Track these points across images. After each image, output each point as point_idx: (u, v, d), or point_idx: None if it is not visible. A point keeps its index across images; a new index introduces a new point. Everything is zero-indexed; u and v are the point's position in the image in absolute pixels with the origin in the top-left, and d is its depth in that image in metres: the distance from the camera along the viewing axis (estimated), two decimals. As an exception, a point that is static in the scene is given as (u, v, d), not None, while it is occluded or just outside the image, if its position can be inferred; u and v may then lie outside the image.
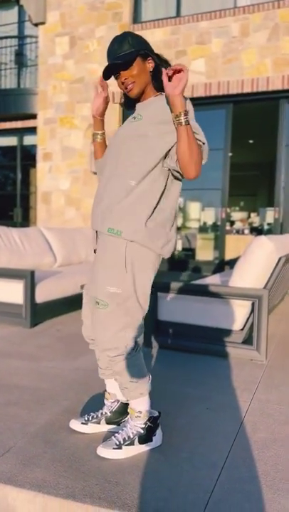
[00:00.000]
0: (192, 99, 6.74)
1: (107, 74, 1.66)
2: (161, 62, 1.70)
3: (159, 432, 1.80)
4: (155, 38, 6.82)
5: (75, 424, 1.89)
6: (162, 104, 1.62)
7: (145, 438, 1.74)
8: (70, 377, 2.58)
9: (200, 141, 1.58)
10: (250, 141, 10.92)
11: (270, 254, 2.97)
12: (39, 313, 3.85)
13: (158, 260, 1.71)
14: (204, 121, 6.85)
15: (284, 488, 1.55)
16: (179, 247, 7.46)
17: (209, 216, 7.20)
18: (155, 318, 3.24)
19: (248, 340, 3.03)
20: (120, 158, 1.66)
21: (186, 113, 1.49)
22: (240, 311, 3.01)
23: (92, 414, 1.93)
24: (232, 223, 12.20)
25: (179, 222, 7.38)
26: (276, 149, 6.87)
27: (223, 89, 6.43)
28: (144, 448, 1.75)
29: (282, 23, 6.11)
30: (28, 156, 9.30)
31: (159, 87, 1.72)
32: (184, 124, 1.49)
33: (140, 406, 1.74)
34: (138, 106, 1.73)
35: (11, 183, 9.73)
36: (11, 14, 9.33)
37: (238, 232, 9.77)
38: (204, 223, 7.27)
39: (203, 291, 3.03)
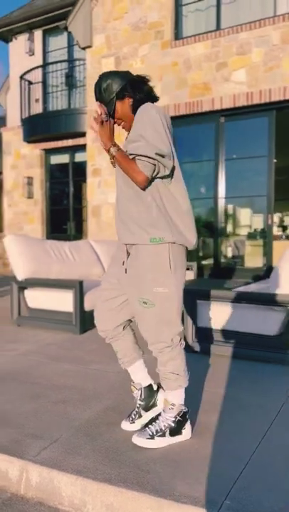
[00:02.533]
0: (234, 109, 6.85)
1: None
2: (136, 88, 1.89)
3: (188, 426, 1.95)
4: (196, 52, 7.01)
5: (126, 425, 2.09)
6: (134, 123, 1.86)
7: (175, 431, 1.92)
8: (113, 379, 2.79)
9: (134, 154, 1.78)
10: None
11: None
12: (88, 320, 4.11)
13: (185, 254, 1.93)
14: (247, 130, 6.92)
15: (305, 481, 1.65)
16: (229, 254, 7.50)
17: (257, 222, 7.21)
18: (195, 324, 3.38)
19: (285, 345, 3.09)
20: (125, 181, 1.88)
21: (113, 147, 1.83)
22: (278, 317, 3.08)
23: (132, 412, 2.12)
24: (284, 228, 11.96)
25: (229, 229, 7.44)
26: None
27: (265, 98, 6.48)
28: (174, 440, 1.92)
29: None
30: (79, 172, 9.78)
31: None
32: (113, 156, 1.82)
33: (175, 399, 1.92)
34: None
35: (64, 198, 10.25)
36: (61, 40, 9.93)
37: (287, 237, 9.62)
38: (254, 229, 7.29)
39: (240, 298, 3.13)
